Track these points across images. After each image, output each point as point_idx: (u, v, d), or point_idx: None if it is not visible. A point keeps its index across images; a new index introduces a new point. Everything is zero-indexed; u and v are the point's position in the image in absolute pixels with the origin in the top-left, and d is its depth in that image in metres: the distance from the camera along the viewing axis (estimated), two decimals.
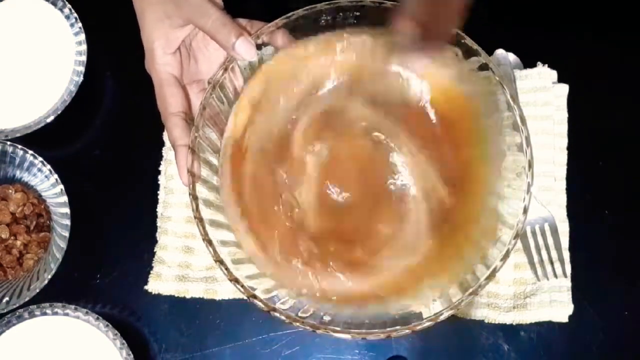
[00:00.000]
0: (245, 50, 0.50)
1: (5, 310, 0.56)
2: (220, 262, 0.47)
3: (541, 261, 0.58)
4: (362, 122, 0.53)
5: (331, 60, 0.53)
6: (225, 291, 0.59)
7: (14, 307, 0.56)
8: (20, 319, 0.56)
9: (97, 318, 0.56)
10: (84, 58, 0.62)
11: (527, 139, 0.49)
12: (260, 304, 0.47)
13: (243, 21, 0.53)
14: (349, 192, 0.52)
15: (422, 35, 0.43)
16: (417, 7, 0.43)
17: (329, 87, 0.53)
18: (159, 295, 0.60)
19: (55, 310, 0.56)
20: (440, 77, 0.52)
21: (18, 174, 0.62)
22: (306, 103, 0.53)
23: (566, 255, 0.59)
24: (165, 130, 0.60)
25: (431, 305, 0.48)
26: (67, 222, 0.58)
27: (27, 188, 0.62)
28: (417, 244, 0.51)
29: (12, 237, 0.61)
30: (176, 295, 0.60)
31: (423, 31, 0.43)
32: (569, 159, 0.61)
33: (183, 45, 0.54)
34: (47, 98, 0.62)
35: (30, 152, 0.59)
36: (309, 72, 0.53)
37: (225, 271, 0.47)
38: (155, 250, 0.61)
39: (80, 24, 0.63)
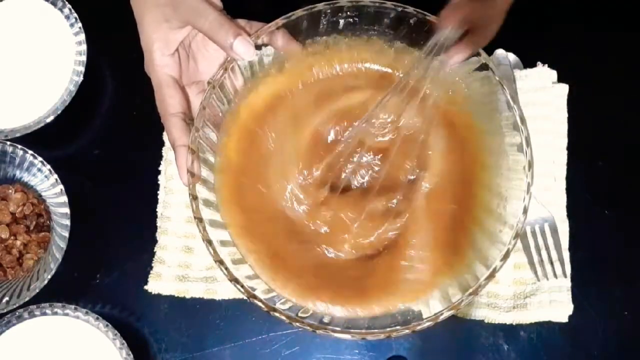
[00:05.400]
0: (243, 50, 0.50)
1: (5, 310, 0.56)
2: (220, 262, 0.47)
3: (541, 261, 0.58)
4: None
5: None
6: (225, 291, 0.59)
7: (14, 307, 0.56)
8: (20, 319, 0.56)
9: (97, 318, 0.56)
10: (84, 58, 0.62)
11: (527, 139, 0.49)
12: (260, 304, 0.47)
13: (242, 22, 0.53)
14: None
15: (468, 32, 0.46)
16: (467, 5, 0.45)
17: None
18: (159, 295, 0.60)
19: (55, 310, 0.56)
20: (440, 77, 0.52)
21: (18, 174, 0.62)
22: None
23: (566, 255, 0.59)
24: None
25: (431, 305, 0.48)
26: (67, 222, 0.58)
27: (27, 188, 0.62)
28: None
29: (12, 237, 0.61)
30: (176, 295, 0.60)
31: (469, 28, 0.46)
32: (569, 159, 0.61)
33: (182, 47, 0.54)
34: (46, 98, 0.62)
35: (30, 152, 0.59)
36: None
37: (225, 271, 0.47)
38: (155, 250, 0.61)
39: (80, 24, 0.63)
